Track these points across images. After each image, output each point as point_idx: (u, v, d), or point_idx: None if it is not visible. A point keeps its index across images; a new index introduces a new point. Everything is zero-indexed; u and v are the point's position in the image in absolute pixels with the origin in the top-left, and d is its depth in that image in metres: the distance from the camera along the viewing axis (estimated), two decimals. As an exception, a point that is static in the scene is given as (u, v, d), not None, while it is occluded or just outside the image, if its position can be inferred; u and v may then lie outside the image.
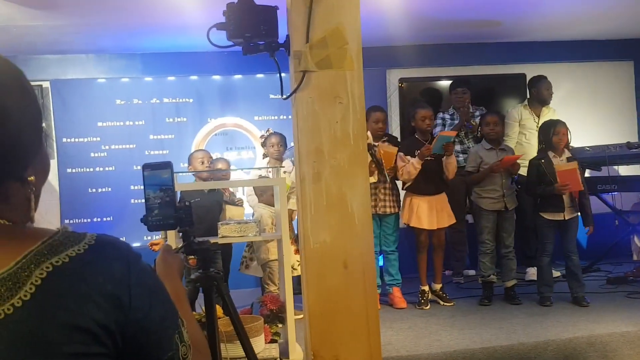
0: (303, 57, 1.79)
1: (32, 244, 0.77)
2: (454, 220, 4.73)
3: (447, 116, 5.56)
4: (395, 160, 4.57)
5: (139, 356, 0.82)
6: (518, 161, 4.79)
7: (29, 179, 0.83)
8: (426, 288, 4.69)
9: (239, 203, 4.91)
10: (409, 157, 4.53)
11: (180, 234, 1.73)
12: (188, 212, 1.67)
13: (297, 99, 1.83)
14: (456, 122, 5.47)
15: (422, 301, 4.65)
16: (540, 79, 5.48)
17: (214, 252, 1.77)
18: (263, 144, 4.91)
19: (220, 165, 4.84)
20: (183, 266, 1.39)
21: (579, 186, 4.35)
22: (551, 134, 4.53)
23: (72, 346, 0.73)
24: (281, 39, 1.98)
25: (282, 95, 1.88)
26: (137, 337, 0.81)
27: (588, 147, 5.21)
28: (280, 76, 1.89)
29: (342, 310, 1.78)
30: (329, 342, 1.77)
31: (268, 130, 4.97)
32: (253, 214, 4.82)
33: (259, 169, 4.88)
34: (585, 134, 5.98)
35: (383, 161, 4.51)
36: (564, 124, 4.56)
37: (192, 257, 1.80)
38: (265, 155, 4.93)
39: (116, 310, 0.78)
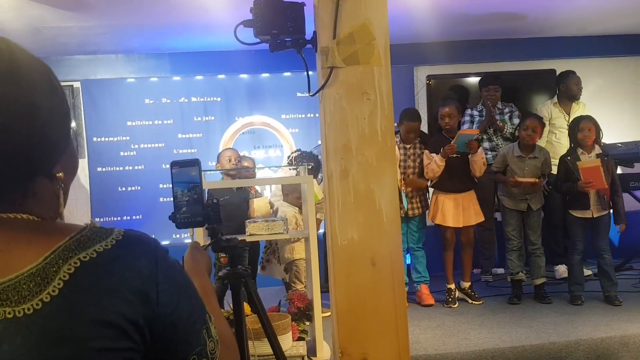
0: (330, 53, 1.78)
1: (60, 239, 0.77)
2: (482, 218, 4.68)
3: (475, 112, 5.49)
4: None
5: (167, 351, 0.82)
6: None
7: (57, 175, 0.84)
8: (452, 286, 4.65)
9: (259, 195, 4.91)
10: (433, 155, 4.49)
11: (208, 231, 1.74)
12: (216, 209, 1.67)
13: (324, 95, 1.82)
14: (477, 117, 5.41)
15: (450, 299, 4.61)
16: (568, 74, 5.39)
17: (241, 249, 1.77)
18: (289, 163, 4.86)
19: (245, 164, 4.86)
20: (211, 263, 1.39)
21: (602, 184, 4.23)
22: (576, 131, 4.45)
23: (101, 341, 0.73)
24: (308, 35, 1.97)
25: (309, 92, 1.88)
26: (165, 332, 0.81)
27: (620, 143, 5.10)
28: (308, 73, 1.88)
29: (370, 308, 1.77)
30: (356, 340, 1.77)
31: (298, 151, 4.93)
32: (276, 214, 4.83)
33: (284, 167, 4.88)
34: (617, 130, 5.86)
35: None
36: (590, 119, 4.47)
37: (223, 255, 1.81)
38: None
39: (144, 305, 0.78)
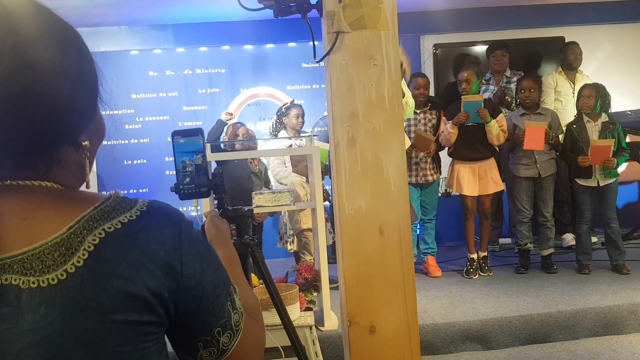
0: (336, 17, 1.74)
1: (84, 209, 0.76)
2: (501, 188, 4.62)
3: (483, 81, 5.43)
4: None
5: (191, 324, 0.81)
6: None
7: (83, 144, 0.81)
8: (475, 256, 4.61)
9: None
10: (447, 121, 4.45)
11: (215, 201, 1.72)
12: (221, 179, 1.65)
13: (330, 61, 1.78)
14: (491, 86, 5.34)
15: (471, 270, 4.58)
16: (567, 44, 5.42)
17: (248, 219, 1.75)
18: (283, 114, 4.85)
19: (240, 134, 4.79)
20: (230, 231, 1.38)
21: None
22: (578, 97, 4.43)
23: (125, 314, 0.72)
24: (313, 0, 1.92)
25: (314, 58, 1.84)
26: (189, 304, 0.80)
27: (630, 111, 5.04)
28: (313, 39, 1.84)
29: (378, 277, 1.76)
30: (364, 308, 1.76)
31: (292, 101, 4.94)
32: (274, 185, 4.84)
33: (290, 138, 4.85)
34: (627, 97, 5.78)
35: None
36: (592, 86, 4.45)
37: (233, 227, 1.79)
38: (279, 127, 4.88)
39: (169, 277, 0.76)
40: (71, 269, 0.71)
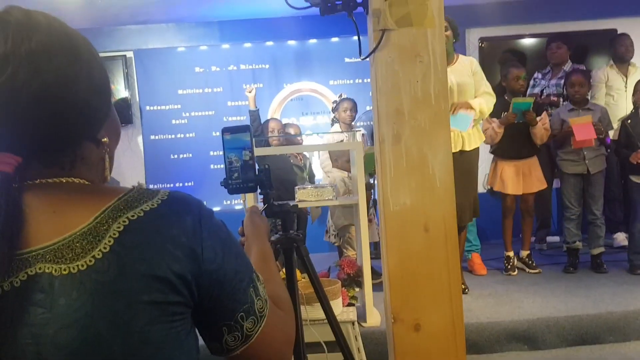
0: (382, 15, 1.73)
1: (109, 200, 0.81)
2: (544, 186, 4.53)
3: (539, 75, 5.31)
4: None
5: (215, 308, 0.85)
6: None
7: (102, 140, 0.88)
8: (511, 254, 4.56)
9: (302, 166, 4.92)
10: (494, 120, 4.36)
11: (261, 196, 1.74)
12: (268, 175, 1.68)
13: (376, 58, 1.78)
14: (544, 81, 5.21)
15: (509, 267, 4.54)
16: (618, 36, 5.24)
17: (293, 214, 1.78)
18: (334, 109, 4.89)
19: (291, 131, 4.85)
20: (270, 227, 1.41)
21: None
22: (633, 92, 4.31)
23: (152, 294, 0.77)
24: (359, -3, 1.92)
25: (360, 55, 1.84)
26: (212, 288, 0.84)
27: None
28: (359, 36, 1.84)
29: (423, 274, 1.75)
30: (409, 306, 1.75)
31: (341, 95, 4.94)
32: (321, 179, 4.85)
33: (332, 133, 4.86)
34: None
35: None
36: None
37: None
38: (335, 121, 4.91)
39: (190, 261, 0.81)
40: (98, 255, 0.76)
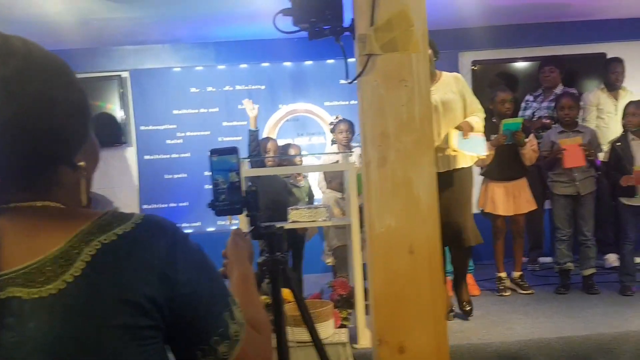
0: (368, 40, 1.77)
1: (82, 224, 0.82)
2: (534, 207, 4.57)
3: (530, 98, 5.37)
4: None
5: (189, 331, 0.86)
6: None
7: (79, 164, 0.88)
8: (503, 275, 4.58)
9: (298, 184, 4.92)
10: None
11: (248, 218, 1.76)
12: (254, 196, 1.69)
13: (362, 82, 1.82)
14: (535, 104, 5.26)
15: (502, 288, 4.55)
16: (609, 61, 5.33)
17: (280, 236, 1.79)
18: (332, 130, 4.94)
19: (292, 151, 4.89)
20: (253, 250, 1.41)
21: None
22: (623, 115, 4.38)
23: (122, 318, 0.78)
24: (347, 23, 1.97)
25: (347, 78, 1.88)
26: (185, 311, 0.84)
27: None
28: (346, 60, 1.88)
29: (407, 296, 1.77)
30: (394, 328, 1.77)
31: (337, 117, 4.98)
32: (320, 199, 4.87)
33: (329, 154, 4.90)
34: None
35: None
36: (635, 104, 4.39)
37: None
38: (333, 142, 4.95)
39: (163, 285, 0.81)
40: (70, 278, 0.76)
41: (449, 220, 3.61)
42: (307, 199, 4.86)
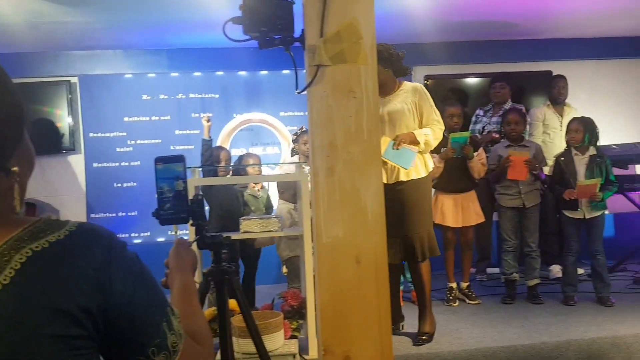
0: (317, 51, 1.79)
1: (13, 231, 0.80)
2: (482, 219, 4.68)
3: (481, 112, 5.50)
4: None
5: (124, 341, 0.84)
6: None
7: (12, 169, 0.85)
8: (454, 285, 4.66)
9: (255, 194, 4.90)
10: (435, 154, 4.47)
11: (194, 228, 1.74)
12: (201, 205, 1.68)
13: (311, 93, 1.83)
14: (485, 119, 5.40)
15: (451, 298, 4.63)
16: (553, 78, 5.55)
17: (226, 246, 1.77)
18: (295, 141, 4.93)
19: (251, 161, 4.85)
20: (197, 260, 1.40)
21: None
22: (566, 131, 4.55)
23: (52, 328, 0.76)
24: (297, 33, 1.98)
25: (297, 88, 1.88)
26: (120, 321, 0.83)
27: (615, 145, 5.10)
28: (296, 70, 1.89)
29: (354, 306, 1.77)
30: (340, 338, 1.77)
31: (302, 128, 4.99)
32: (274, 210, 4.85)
33: (286, 164, 4.89)
34: (612, 132, 5.86)
35: None
36: (579, 121, 4.54)
37: (225, 251, 1.80)
38: (295, 152, 4.94)
39: (97, 294, 0.80)
40: None
41: (401, 234, 3.64)
42: (264, 210, 4.84)
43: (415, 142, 3.59)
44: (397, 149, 3.55)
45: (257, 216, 4.39)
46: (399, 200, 3.58)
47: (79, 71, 5.77)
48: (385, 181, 3.43)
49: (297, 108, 6.09)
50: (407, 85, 3.81)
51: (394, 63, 3.73)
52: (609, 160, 4.52)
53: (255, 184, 4.82)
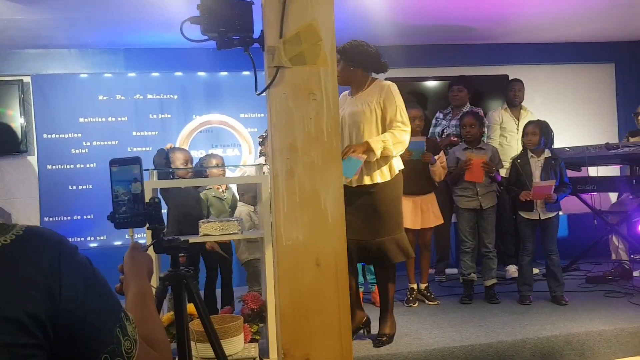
0: (277, 52, 1.78)
1: None
2: (441, 221, 4.74)
3: (440, 115, 5.58)
4: None
5: (76, 348, 0.81)
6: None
7: None
8: (414, 286, 4.70)
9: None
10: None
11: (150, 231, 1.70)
12: (157, 208, 1.64)
13: (271, 94, 1.81)
14: (445, 122, 5.48)
15: (411, 298, 4.67)
16: (510, 82, 5.68)
17: (183, 249, 1.74)
18: (261, 143, 4.89)
19: (214, 162, 4.79)
20: (152, 264, 1.37)
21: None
22: (523, 134, 4.66)
23: (0, 337, 0.73)
24: (256, 34, 1.96)
25: (256, 90, 1.87)
26: (71, 327, 0.80)
27: (568, 147, 5.24)
28: (255, 71, 1.88)
29: (314, 308, 1.77)
30: (300, 340, 1.76)
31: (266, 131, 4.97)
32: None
33: (245, 166, 4.85)
34: (566, 135, 6.04)
35: None
36: (535, 124, 4.63)
37: (182, 254, 1.77)
38: (262, 154, 4.90)
39: (46, 300, 0.77)
40: None
41: (373, 238, 3.55)
42: (229, 211, 4.78)
43: (370, 150, 3.38)
44: (344, 158, 3.24)
45: (216, 219, 4.34)
46: (370, 205, 3.54)
47: (32, 70, 5.60)
48: (348, 184, 3.42)
49: (258, 110, 6.05)
50: (377, 83, 3.61)
51: (366, 61, 3.58)
52: (563, 163, 4.64)
53: (219, 186, 4.76)
